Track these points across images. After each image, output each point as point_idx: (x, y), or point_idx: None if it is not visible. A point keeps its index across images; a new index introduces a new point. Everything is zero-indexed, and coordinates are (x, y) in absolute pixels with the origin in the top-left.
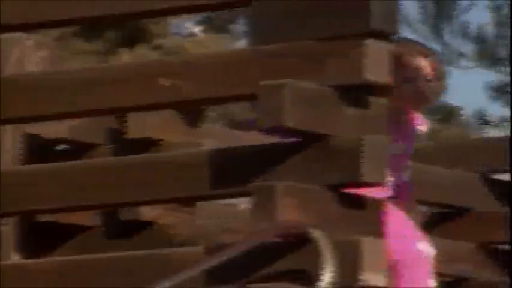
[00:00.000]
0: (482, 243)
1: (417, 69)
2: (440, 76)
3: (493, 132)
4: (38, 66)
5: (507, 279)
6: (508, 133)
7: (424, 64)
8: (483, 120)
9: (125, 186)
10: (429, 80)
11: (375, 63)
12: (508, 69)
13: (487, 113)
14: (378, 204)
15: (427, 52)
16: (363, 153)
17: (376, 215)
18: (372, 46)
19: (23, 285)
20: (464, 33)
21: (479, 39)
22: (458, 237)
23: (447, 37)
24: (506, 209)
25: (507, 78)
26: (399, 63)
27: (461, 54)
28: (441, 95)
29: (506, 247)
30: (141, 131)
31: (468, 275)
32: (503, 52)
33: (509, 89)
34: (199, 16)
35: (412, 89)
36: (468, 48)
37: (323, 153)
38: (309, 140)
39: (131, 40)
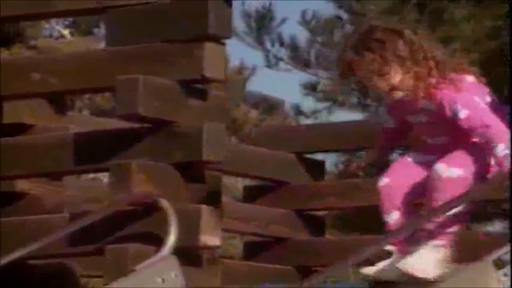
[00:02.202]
0: (296, 210)
1: None
2: None
3: (307, 121)
4: None
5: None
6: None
7: None
8: (299, 111)
9: (3, 163)
10: None
11: (212, 62)
12: (316, 70)
13: (302, 105)
14: (215, 179)
15: None
16: (203, 137)
17: (213, 188)
18: (210, 48)
19: None
20: (281, 42)
21: (293, 46)
22: (277, 205)
23: (268, 45)
24: (318, 183)
25: (315, 78)
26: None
27: (280, 59)
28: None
29: (317, 213)
30: (16, 117)
31: (285, 236)
32: (312, 56)
33: (318, 87)
34: (68, 21)
35: None
36: (285, 53)
37: (170, 137)
38: (158, 126)
39: (8, 41)
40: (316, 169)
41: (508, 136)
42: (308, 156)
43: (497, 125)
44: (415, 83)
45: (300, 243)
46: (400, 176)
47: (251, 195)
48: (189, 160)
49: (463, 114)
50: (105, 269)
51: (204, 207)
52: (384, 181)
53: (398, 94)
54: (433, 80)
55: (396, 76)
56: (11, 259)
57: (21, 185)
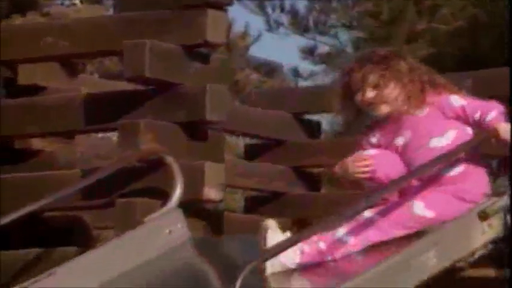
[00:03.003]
0: (294, 166)
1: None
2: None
3: (304, 83)
4: None
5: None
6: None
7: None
8: (297, 74)
9: (19, 122)
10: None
11: (214, 28)
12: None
13: (300, 68)
14: (218, 137)
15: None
16: (206, 98)
17: (216, 146)
18: (212, 14)
19: None
20: (282, 8)
21: (293, 12)
22: (276, 162)
23: (269, 9)
24: (314, 141)
25: (313, 42)
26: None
27: (280, 24)
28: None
29: (313, 169)
30: (30, 79)
31: (283, 191)
32: (311, 22)
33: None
34: None
35: None
36: (285, 18)
37: (175, 98)
38: (164, 87)
39: (23, 8)
40: (313, 128)
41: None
42: (305, 116)
43: (494, 104)
44: (407, 99)
45: (297, 198)
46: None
47: (252, 152)
48: (193, 120)
49: (460, 102)
50: (115, 221)
51: (207, 163)
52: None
53: (387, 109)
54: (425, 95)
55: (393, 92)
56: (27, 212)
57: (36, 143)
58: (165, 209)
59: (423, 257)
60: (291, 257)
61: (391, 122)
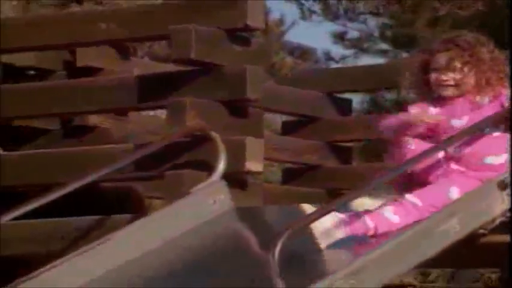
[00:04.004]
0: (327, 141)
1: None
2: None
3: (335, 65)
4: (11, 12)
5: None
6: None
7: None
8: (329, 57)
9: (77, 100)
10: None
11: (254, 13)
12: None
13: (332, 52)
14: (257, 114)
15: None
16: (246, 78)
17: (256, 122)
18: (251, 1)
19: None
20: None
21: (325, 0)
22: (311, 138)
23: None
24: (346, 117)
25: (343, 28)
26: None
27: (313, 12)
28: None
29: (345, 144)
30: (87, 61)
31: (317, 164)
32: (341, 9)
33: (346, 36)
34: None
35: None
36: (317, 7)
37: (218, 78)
38: (208, 68)
39: None
40: (344, 106)
41: None
42: (337, 95)
43: None
44: (479, 86)
45: (330, 170)
46: None
47: (288, 128)
48: (234, 98)
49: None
50: (165, 192)
51: (248, 138)
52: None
53: (457, 92)
54: (496, 86)
55: (469, 78)
56: (86, 182)
57: (93, 119)
58: (209, 180)
59: (446, 225)
60: (333, 229)
61: (454, 103)
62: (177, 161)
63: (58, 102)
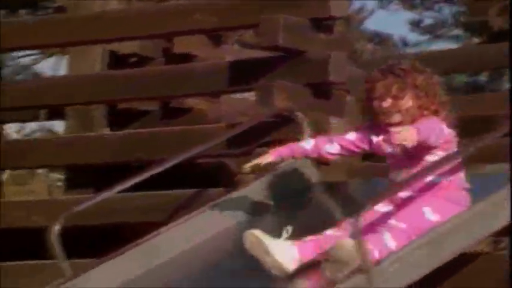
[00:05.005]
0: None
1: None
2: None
3: (410, 50)
4: (116, 5)
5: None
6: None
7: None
8: (405, 43)
9: (174, 84)
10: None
11: (337, 4)
12: (421, 10)
13: (407, 38)
14: (340, 96)
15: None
16: (329, 63)
17: (338, 103)
18: None
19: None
20: None
21: None
22: None
23: None
24: None
25: (419, 16)
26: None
27: (391, 1)
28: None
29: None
30: (184, 48)
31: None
32: None
33: (422, 24)
34: None
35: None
36: None
37: (303, 63)
38: (294, 54)
39: None
40: None
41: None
42: None
43: None
44: (419, 113)
45: None
46: None
47: None
48: (318, 81)
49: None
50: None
51: (331, 118)
52: None
53: (399, 118)
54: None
55: (407, 103)
56: (183, 158)
57: (189, 102)
58: None
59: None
60: None
61: (387, 129)
62: (265, 139)
63: (157, 86)
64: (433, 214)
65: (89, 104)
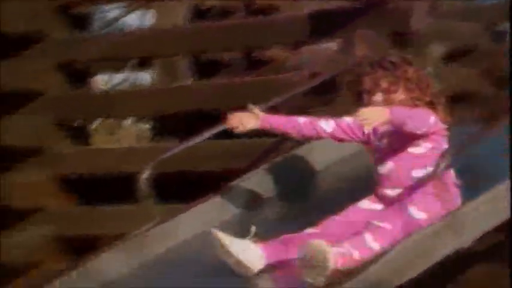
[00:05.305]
0: (484, 69)
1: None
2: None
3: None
4: None
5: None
6: None
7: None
8: None
9: (256, 36)
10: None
11: None
12: None
13: None
14: (420, 44)
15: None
16: (411, 12)
17: (419, 51)
18: None
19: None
20: None
21: None
22: (470, 67)
23: None
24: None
25: None
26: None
27: None
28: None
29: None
30: (266, 1)
31: (474, 91)
32: None
33: None
34: None
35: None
36: None
37: (384, 13)
38: (375, 4)
39: None
40: (500, 36)
41: None
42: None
43: None
44: (413, 105)
45: (489, 98)
46: None
47: (449, 56)
48: (399, 30)
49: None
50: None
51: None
52: None
53: None
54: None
55: (399, 96)
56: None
57: (270, 52)
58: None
59: None
60: None
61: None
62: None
63: (240, 38)
64: (420, 213)
65: (174, 55)
